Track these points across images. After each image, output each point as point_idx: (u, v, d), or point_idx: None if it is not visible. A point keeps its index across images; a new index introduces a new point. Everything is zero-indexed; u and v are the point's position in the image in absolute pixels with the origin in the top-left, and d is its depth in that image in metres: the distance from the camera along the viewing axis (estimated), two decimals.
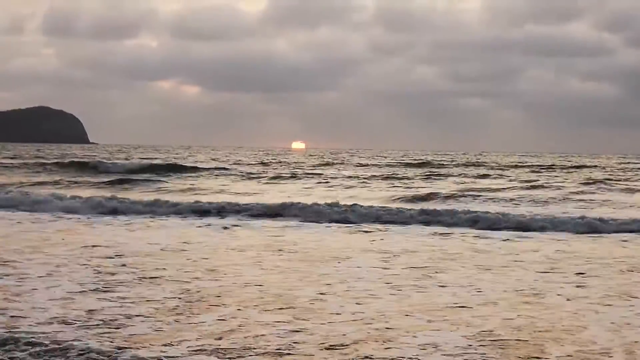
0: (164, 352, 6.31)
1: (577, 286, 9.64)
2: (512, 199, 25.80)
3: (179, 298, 8.44)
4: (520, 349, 6.65)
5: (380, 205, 21.14)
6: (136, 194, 26.54)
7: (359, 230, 16.38)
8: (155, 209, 20.06)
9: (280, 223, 17.68)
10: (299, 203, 20.39)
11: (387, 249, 13.04)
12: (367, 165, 58.67)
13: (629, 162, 71.36)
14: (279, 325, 7.28)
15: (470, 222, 17.91)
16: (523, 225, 17.40)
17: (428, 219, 18.38)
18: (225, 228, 16.37)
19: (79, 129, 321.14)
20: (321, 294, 8.85)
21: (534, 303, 8.55)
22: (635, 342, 6.96)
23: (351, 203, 20.51)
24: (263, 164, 58.14)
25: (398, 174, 42.73)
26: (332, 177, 39.43)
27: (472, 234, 15.97)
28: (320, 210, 19.47)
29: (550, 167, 54.90)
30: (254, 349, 6.47)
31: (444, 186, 33.28)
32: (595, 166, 58.68)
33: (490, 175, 43.51)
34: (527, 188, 31.43)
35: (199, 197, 24.11)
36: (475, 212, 19.33)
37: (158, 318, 7.47)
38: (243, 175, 40.05)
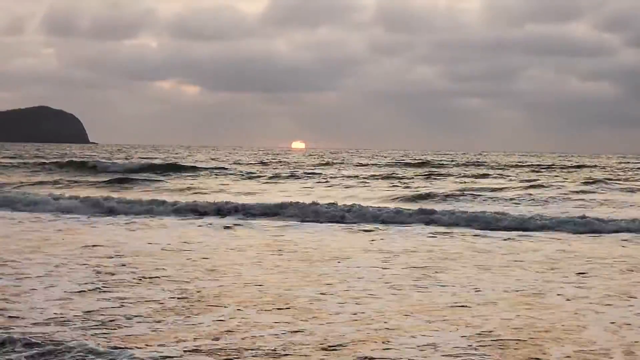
0: (160, 352, 6.29)
1: (577, 286, 9.62)
2: (512, 199, 25.81)
3: (178, 298, 8.42)
4: (520, 349, 6.63)
5: (380, 205, 21.13)
6: (135, 194, 26.51)
7: (359, 230, 16.36)
8: (154, 208, 20.06)
9: (280, 223, 17.67)
10: (299, 203, 20.39)
11: (387, 249, 13.02)
12: (366, 165, 58.60)
13: (628, 162, 71.37)
14: (277, 326, 7.26)
15: (470, 221, 17.90)
16: (523, 225, 17.40)
17: (428, 218, 18.37)
18: (225, 228, 16.35)
19: (79, 129, 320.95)
20: (321, 294, 8.83)
21: (533, 303, 8.53)
22: (635, 342, 6.94)
23: (351, 203, 20.51)
24: (263, 163, 58.10)
25: (398, 174, 42.70)
26: (331, 177, 39.40)
27: (471, 233, 15.95)
28: (320, 210, 19.47)
29: (550, 167, 54.89)
30: (251, 349, 6.45)
31: (444, 186, 33.26)
32: (595, 166, 58.65)
33: (490, 174, 43.48)
34: (527, 188, 31.42)
35: (199, 197, 24.12)
36: (475, 212, 19.34)
37: (156, 318, 7.45)
38: (243, 175, 40.04)
